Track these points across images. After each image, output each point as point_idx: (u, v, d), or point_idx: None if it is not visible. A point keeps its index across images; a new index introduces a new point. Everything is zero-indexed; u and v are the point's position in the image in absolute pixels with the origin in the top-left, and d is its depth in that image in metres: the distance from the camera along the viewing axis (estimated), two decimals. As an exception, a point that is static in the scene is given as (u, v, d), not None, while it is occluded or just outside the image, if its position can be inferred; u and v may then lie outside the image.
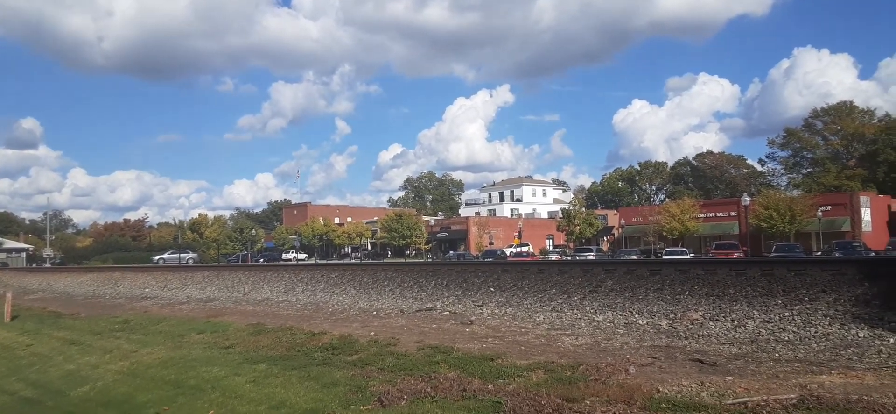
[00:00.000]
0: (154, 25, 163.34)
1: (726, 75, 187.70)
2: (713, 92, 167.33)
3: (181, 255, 64.71)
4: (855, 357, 9.74)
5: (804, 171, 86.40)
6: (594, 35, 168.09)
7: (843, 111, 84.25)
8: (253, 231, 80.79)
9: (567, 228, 68.14)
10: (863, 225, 55.04)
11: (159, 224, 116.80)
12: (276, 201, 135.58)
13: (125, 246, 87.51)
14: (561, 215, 72.25)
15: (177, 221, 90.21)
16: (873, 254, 37.99)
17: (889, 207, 62.78)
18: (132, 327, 18.63)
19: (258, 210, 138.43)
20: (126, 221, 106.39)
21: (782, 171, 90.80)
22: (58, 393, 12.89)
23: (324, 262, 59.24)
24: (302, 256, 75.54)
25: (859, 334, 11.12)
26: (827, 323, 11.92)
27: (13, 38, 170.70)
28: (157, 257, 67.11)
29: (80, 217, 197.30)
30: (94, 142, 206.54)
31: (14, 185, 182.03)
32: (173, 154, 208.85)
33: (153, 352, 14.40)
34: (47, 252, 78.60)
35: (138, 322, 19.54)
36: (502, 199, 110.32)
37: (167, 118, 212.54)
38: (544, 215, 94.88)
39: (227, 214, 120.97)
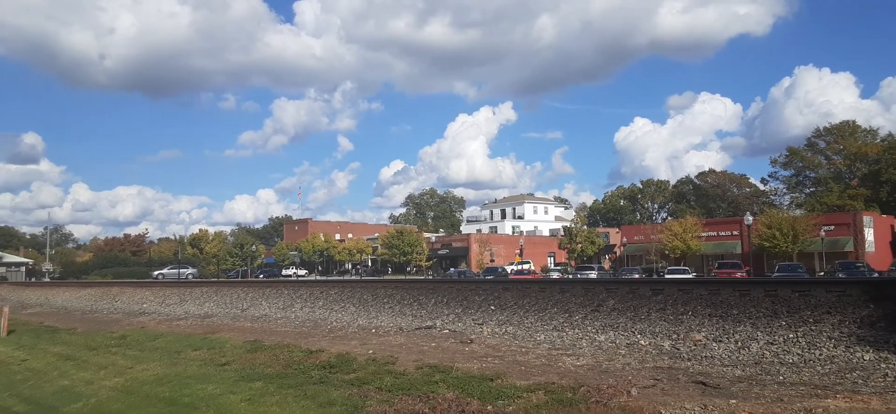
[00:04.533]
0: (156, 43, 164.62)
1: (728, 94, 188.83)
2: (715, 110, 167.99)
3: (181, 270, 64.55)
4: (860, 381, 9.55)
5: (807, 190, 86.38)
6: (594, 53, 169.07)
7: (845, 130, 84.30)
8: (253, 247, 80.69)
9: (569, 245, 67.91)
10: (866, 245, 54.84)
11: (160, 239, 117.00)
12: (277, 217, 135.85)
13: (125, 261, 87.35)
14: (562, 233, 72.07)
15: (177, 237, 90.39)
16: (877, 274, 37.78)
17: (892, 227, 62.57)
18: (128, 343, 18.43)
19: (259, 226, 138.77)
20: (126, 235, 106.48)
21: (785, 190, 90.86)
22: (51, 409, 12.69)
23: (323, 278, 59.00)
24: (302, 272, 75.38)
25: (864, 357, 10.92)
26: (832, 345, 11.72)
27: (16, 55, 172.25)
28: (156, 272, 66.97)
29: (81, 232, 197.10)
30: (97, 157, 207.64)
31: (15, 200, 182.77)
32: (174, 170, 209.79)
33: (149, 368, 14.21)
34: (46, 266, 78.48)
35: (135, 338, 19.34)
36: (504, 216, 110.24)
37: (169, 134, 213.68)
38: (546, 233, 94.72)
39: (227, 229, 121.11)
